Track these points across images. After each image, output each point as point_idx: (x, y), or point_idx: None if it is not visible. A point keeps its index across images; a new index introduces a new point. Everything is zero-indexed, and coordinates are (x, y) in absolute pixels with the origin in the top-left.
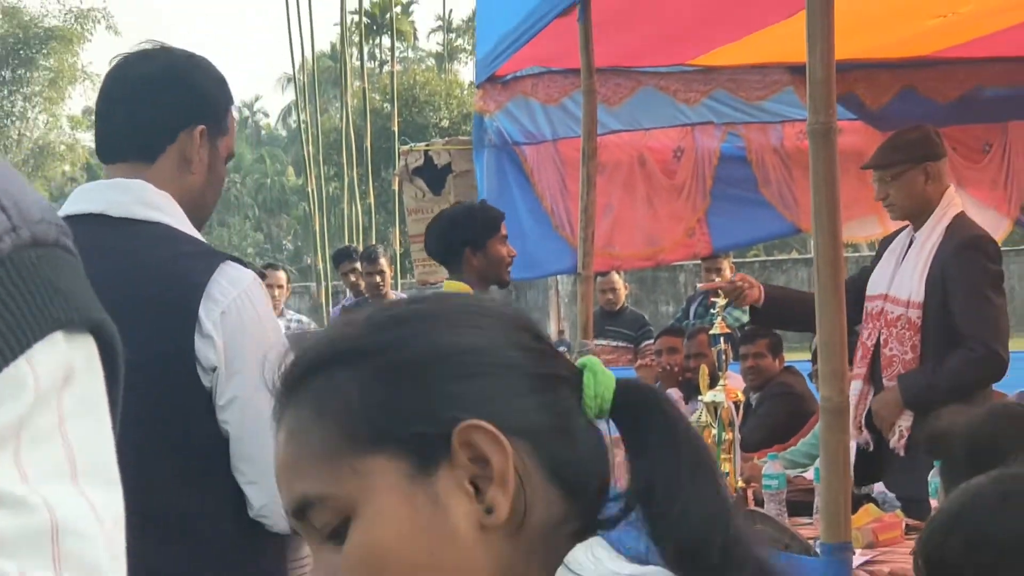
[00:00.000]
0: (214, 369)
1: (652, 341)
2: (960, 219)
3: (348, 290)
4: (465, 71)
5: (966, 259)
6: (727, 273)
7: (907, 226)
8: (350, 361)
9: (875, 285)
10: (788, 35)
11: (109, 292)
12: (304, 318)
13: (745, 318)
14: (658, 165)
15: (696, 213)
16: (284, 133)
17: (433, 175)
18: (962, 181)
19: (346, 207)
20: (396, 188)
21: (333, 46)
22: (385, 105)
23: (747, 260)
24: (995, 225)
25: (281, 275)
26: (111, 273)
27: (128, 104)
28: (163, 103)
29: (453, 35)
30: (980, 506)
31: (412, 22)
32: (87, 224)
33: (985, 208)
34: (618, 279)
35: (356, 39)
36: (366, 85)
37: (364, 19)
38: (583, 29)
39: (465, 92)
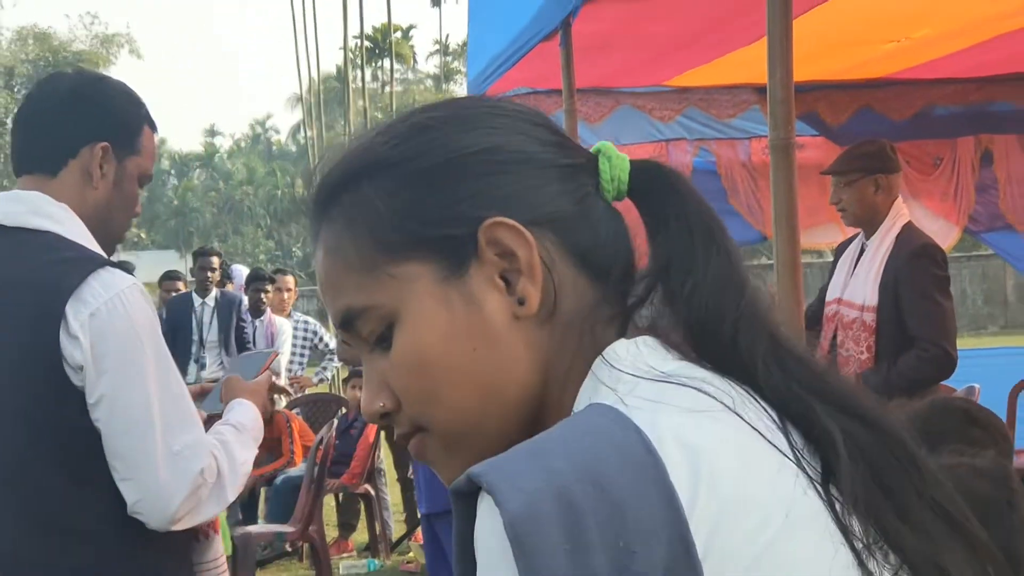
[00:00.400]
0: (81, 368)
1: None
2: (909, 228)
3: None
4: (461, 91)
5: (917, 266)
6: None
7: (859, 234)
8: (374, 173)
9: (831, 291)
10: (755, 59)
11: None
12: (311, 319)
13: None
14: None
15: None
16: (294, 148)
17: None
18: (916, 193)
19: None
20: None
21: (338, 68)
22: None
23: None
24: (946, 233)
25: (289, 279)
26: None
27: (34, 120)
28: (65, 119)
29: (450, 58)
30: None
31: (412, 46)
32: None
33: (936, 217)
34: None
35: (359, 62)
36: (367, 104)
37: (366, 43)
38: (564, 53)
39: None
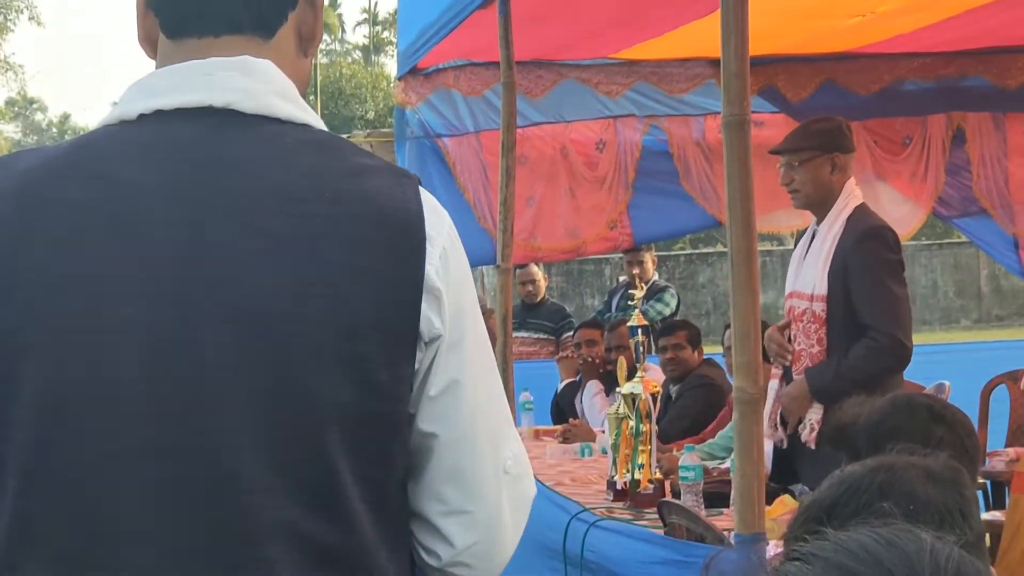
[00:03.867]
0: (432, 341)
1: (573, 333)
2: (861, 210)
3: None
4: (391, 64)
5: (866, 249)
6: (649, 265)
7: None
8: None
9: (787, 284)
10: (709, 30)
11: (281, 241)
12: None
13: (668, 311)
14: (580, 157)
15: (618, 205)
16: None
17: None
18: (883, 174)
19: None
20: None
21: None
22: (310, 97)
23: (672, 253)
24: (911, 215)
25: None
26: (273, 200)
27: None
28: None
29: (379, 28)
30: (854, 493)
31: (339, 15)
32: (204, 123)
33: (905, 200)
34: (537, 271)
35: None
36: None
37: None
38: (502, 22)
39: (391, 85)
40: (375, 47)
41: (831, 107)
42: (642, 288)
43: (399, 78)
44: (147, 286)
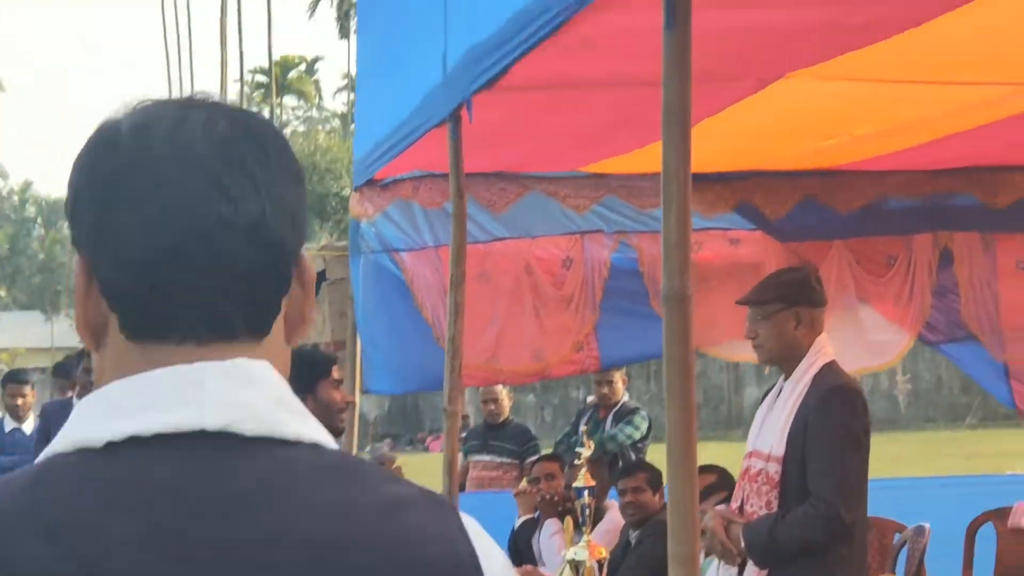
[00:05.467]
0: None
1: (537, 457)
2: (829, 368)
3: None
4: None
5: (827, 412)
6: (619, 385)
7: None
8: None
9: (748, 442)
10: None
11: None
12: None
13: (638, 434)
14: (546, 275)
15: (585, 327)
16: None
17: None
18: (866, 296)
19: None
20: None
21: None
22: None
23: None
24: (895, 342)
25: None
26: (292, 553)
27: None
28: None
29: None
30: None
31: (316, 81)
32: (194, 452)
33: (888, 324)
34: (501, 389)
35: (256, 99)
36: None
37: (262, 78)
38: (452, 148)
39: None
40: (355, 116)
41: (811, 225)
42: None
43: (355, 189)
44: None
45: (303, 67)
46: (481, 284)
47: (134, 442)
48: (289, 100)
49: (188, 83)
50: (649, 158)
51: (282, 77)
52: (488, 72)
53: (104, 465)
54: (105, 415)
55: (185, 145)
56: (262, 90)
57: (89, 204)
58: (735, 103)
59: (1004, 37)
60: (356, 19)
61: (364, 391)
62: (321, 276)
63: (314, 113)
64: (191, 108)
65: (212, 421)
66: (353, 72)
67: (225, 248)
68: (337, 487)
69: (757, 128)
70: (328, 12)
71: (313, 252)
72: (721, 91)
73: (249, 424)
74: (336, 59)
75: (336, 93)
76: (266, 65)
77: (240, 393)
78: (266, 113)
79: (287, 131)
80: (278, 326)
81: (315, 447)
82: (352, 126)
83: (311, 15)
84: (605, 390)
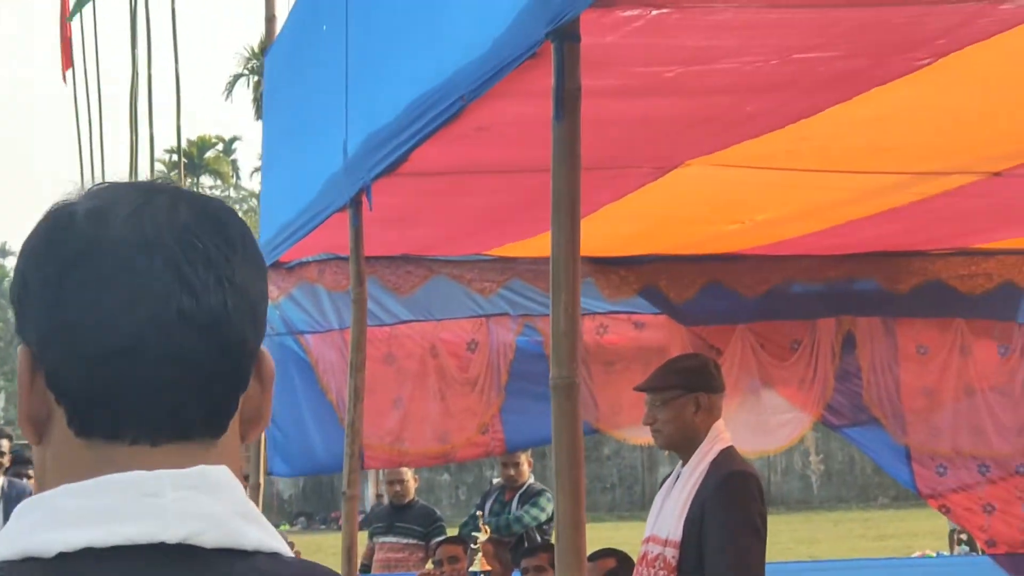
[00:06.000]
0: None
1: (441, 539)
2: (726, 454)
3: None
4: None
5: (725, 497)
6: (524, 467)
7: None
8: None
9: (647, 527)
10: (586, 230)
11: None
12: None
13: (543, 516)
14: (451, 358)
15: (490, 409)
16: None
17: None
18: (770, 380)
19: None
20: None
21: None
22: None
23: None
24: (796, 423)
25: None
26: None
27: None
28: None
29: None
30: None
31: (234, 160)
32: (152, 567)
33: (792, 408)
34: (407, 470)
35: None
36: None
37: (180, 158)
38: (353, 233)
39: None
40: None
41: (715, 309)
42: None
43: None
44: None
45: (220, 147)
46: (386, 366)
47: (88, 553)
48: (206, 180)
49: (99, 161)
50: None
51: (199, 157)
52: (387, 159)
53: None
54: (56, 522)
55: (146, 233)
56: (176, 170)
57: (39, 292)
58: (636, 190)
59: (897, 127)
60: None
61: (268, 473)
62: None
63: (231, 192)
64: (152, 194)
65: (172, 533)
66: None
67: (184, 344)
68: None
69: (660, 213)
70: (244, 93)
71: None
72: (619, 178)
73: (210, 535)
74: (254, 139)
75: (253, 173)
76: (182, 144)
77: (201, 504)
78: None
79: None
80: (234, 425)
81: (274, 556)
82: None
83: (228, 96)
84: (511, 472)
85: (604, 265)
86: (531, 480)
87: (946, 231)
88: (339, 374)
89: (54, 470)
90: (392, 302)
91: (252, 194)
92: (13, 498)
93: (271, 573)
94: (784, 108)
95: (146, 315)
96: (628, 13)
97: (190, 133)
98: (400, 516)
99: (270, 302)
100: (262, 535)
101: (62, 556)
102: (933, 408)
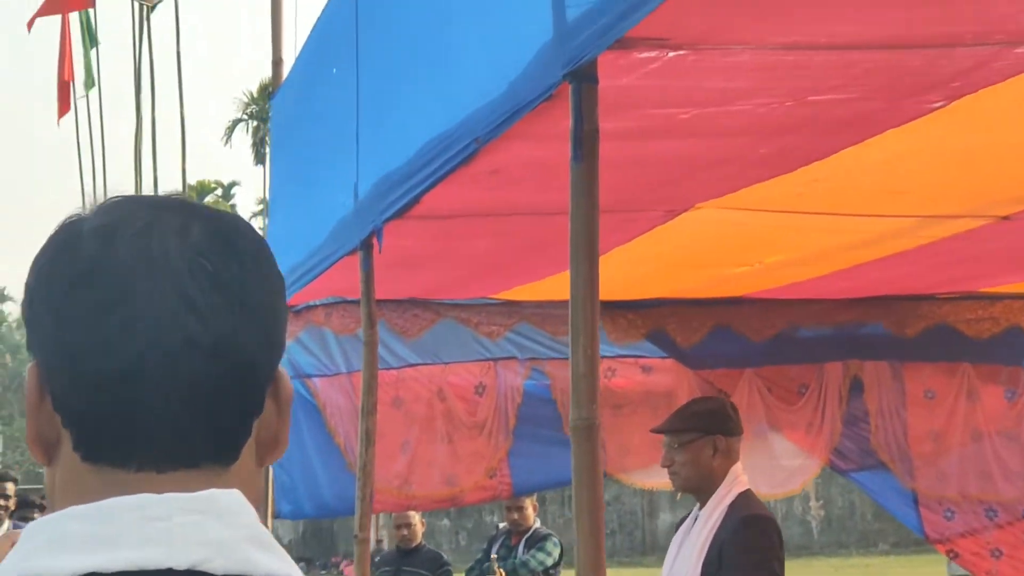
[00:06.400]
0: None
1: None
2: (745, 497)
3: None
4: None
5: (743, 540)
6: (530, 511)
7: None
8: None
9: (663, 572)
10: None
11: None
12: None
13: (550, 560)
14: (459, 401)
15: (498, 453)
16: None
17: None
18: (777, 424)
19: None
20: None
21: None
22: None
23: None
24: (805, 469)
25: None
26: None
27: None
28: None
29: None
30: None
31: (233, 205)
32: None
33: (799, 452)
34: (414, 514)
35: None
36: None
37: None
38: (364, 275)
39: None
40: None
41: (723, 353)
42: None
43: None
44: None
45: (219, 191)
46: (394, 410)
47: None
48: None
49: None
50: (562, 285)
51: (199, 201)
52: (399, 201)
53: None
54: (62, 547)
55: (153, 253)
56: None
57: (45, 311)
58: (645, 232)
59: (908, 170)
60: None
61: (275, 516)
62: None
63: None
64: (163, 211)
65: (180, 560)
66: (268, 197)
67: (191, 369)
68: None
69: (668, 256)
70: (244, 139)
71: None
72: (631, 221)
73: (219, 562)
74: (252, 184)
75: (252, 218)
76: (180, 189)
77: (210, 530)
78: None
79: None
80: (248, 450)
81: None
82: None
83: (227, 141)
84: (516, 516)
85: (612, 309)
86: (537, 524)
87: (953, 275)
88: (346, 417)
89: (62, 493)
90: (399, 345)
91: None
92: None
93: None
94: (797, 150)
95: (148, 340)
96: (645, 55)
97: (190, 178)
98: (407, 560)
99: None
100: (272, 562)
101: None
102: (940, 452)
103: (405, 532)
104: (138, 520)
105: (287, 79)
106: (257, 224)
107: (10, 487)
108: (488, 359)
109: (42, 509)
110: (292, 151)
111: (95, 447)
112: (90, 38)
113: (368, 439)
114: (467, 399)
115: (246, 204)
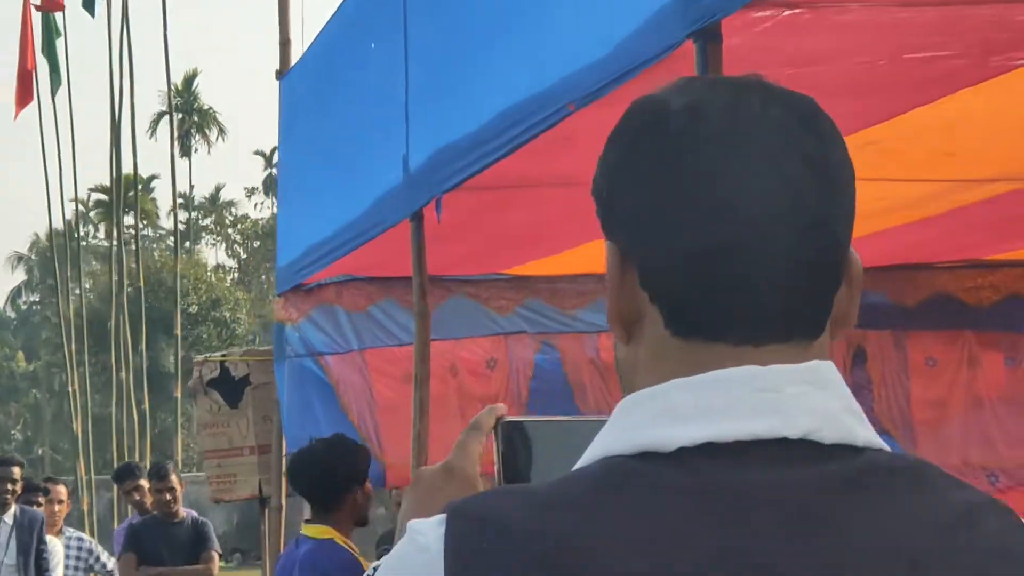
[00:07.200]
0: None
1: None
2: None
3: (133, 508)
4: (210, 253)
5: None
6: None
7: None
8: None
9: None
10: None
11: None
12: (85, 537)
13: None
14: (471, 376)
15: None
16: (13, 315)
17: (230, 387)
18: None
19: (113, 410)
20: (178, 395)
21: (69, 224)
22: (129, 289)
23: None
24: None
25: (62, 489)
26: (892, 567)
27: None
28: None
29: (197, 213)
30: None
31: (154, 199)
32: (775, 463)
33: None
34: None
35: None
36: (113, 270)
37: (103, 196)
38: (415, 244)
39: (211, 275)
40: (193, 234)
41: None
42: None
43: (279, 294)
44: None
45: (140, 185)
46: (407, 385)
47: (707, 449)
48: (128, 219)
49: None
50: (569, 259)
51: (125, 195)
52: (467, 169)
53: (684, 473)
54: (674, 418)
55: (743, 128)
56: (101, 209)
57: (631, 186)
58: None
59: (965, 131)
60: (271, 142)
61: (290, 495)
62: (244, 381)
63: (149, 232)
64: (743, 91)
65: (792, 430)
66: (187, 191)
67: (788, 244)
68: (913, 495)
69: None
70: (164, 131)
71: (235, 357)
72: None
73: (828, 432)
74: (176, 177)
75: (169, 212)
76: (106, 183)
77: (818, 399)
78: (105, 233)
79: (128, 249)
80: (827, 325)
81: (880, 452)
82: (186, 244)
83: (152, 134)
84: None
85: None
86: None
87: (953, 244)
88: (359, 394)
89: (648, 369)
90: (412, 322)
91: (171, 232)
92: (25, 525)
93: (886, 466)
94: (869, 112)
95: (746, 215)
96: (760, 14)
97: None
98: None
99: (290, 325)
100: (868, 432)
101: (681, 451)
102: (942, 420)
103: None
104: (749, 391)
105: (302, 59)
106: (181, 217)
107: (16, 471)
108: (498, 333)
109: (46, 493)
110: (307, 131)
111: (689, 322)
112: (55, 30)
113: (422, 409)
114: (479, 373)
115: (165, 197)
